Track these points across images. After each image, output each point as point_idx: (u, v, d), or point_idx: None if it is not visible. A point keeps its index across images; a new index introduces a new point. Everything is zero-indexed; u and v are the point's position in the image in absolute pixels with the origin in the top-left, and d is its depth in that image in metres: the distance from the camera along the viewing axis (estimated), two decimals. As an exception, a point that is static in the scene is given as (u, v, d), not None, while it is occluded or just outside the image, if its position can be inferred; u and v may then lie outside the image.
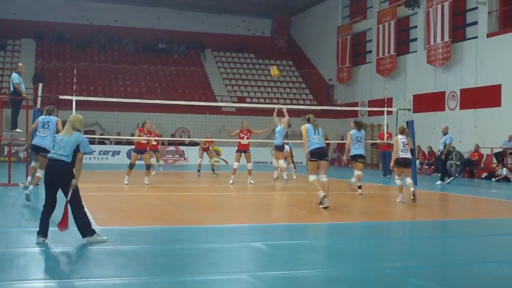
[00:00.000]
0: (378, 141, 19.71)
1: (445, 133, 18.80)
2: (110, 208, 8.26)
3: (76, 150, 6.96)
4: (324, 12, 36.06)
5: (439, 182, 18.21)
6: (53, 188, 7.02)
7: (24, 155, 22.49)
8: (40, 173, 11.43)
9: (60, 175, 6.93)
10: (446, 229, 9.51)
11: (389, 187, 17.45)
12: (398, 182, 12.35)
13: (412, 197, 11.92)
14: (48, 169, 7.01)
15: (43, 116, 11.94)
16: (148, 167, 15.74)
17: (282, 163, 15.86)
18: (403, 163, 12.27)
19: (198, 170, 19.54)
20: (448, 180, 18.31)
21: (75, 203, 7.00)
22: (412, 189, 12.02)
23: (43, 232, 7.01)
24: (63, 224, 6.95)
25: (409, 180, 12.33)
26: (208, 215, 10.33)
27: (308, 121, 11.17)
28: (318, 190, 10.77)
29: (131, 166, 15.47)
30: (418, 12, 27.11)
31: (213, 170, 19.89)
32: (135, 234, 7.54)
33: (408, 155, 12.29)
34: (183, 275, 5.74)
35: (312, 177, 10.94)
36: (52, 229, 7.39)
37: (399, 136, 12.37)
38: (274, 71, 16.33)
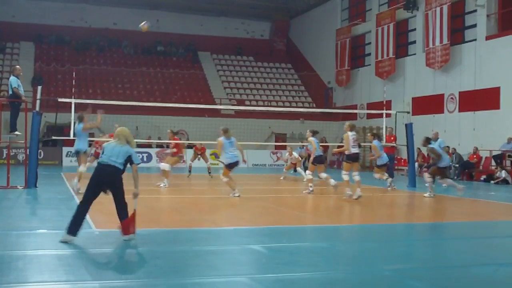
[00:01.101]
0: (383, 143, 19.78)
1: (436, 138, 18.81)
2: (108, 210, 8.26)
3: (127, 160, 7.42)
4: (323, 15, 36.09)
5: (444, 185, 18.13)
6: (98, 189, 7.37)
7: (23, 158, 22.47)
8: (82, 167, 13.08)
9: (112, 180, 7.36)
10: (445, 231, 9.51)
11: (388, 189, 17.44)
12: (345, 177, 12.67)
13: (358, 196, 12.64)
14: (100, 172, 7.38)
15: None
16: None
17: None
18: (354, 158, 12.84)
19: (189, 171, 19.73)
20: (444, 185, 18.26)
21: (123, 204, 7.43)
22: (358, 189, 12.80)
23: (73, 230, 7.15)
24: (129, 230, 7.34)
25: (357, 178, 12.91)
26: (207, 218, 10.33)
27: (225, 132, 13.27)
28: (234, 189, 13.06)
29: None
30: (417, 15, 27.14)
31: (209, 172, 19.92)
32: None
33: (357, 150, 12.95)
34: (182, 278, 5.74)
35: (225, 179, 13.24)
36: (51, 231, 7.40)
37: (349, 133, 12.79)
38: (143, 26, 16.29)
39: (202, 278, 5.73)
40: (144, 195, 13.93)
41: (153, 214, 10.70)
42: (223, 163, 20.11)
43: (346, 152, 12.69)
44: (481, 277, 6.11)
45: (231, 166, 13.23)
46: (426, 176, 14.37)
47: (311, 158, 14.57)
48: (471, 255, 7.41)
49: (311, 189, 14.14)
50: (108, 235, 7.79)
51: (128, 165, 7.49)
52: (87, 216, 7.60)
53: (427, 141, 14.67)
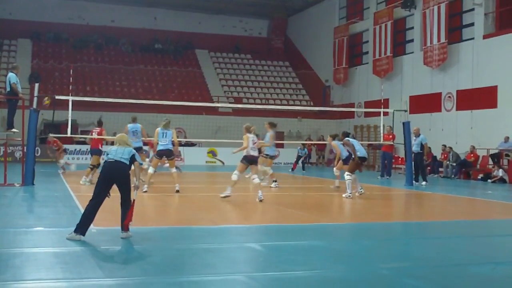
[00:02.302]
0: (381, 141, 19.81)
1: (417, 134, 18.85)
2: (105, 208, 8.25)
3: (131, 158, 7.62)
4: (321, 13, 36.08)
5: (424, 182, 18.14)
6: (108, 185, 7.50)
7: (20, 155, 22.43)
8: (151, 170, 13.72)
9: (120, 175, 7.50)
10: (442, 230, 9.52)
11: (386, 188, 17.47)
12: (235, 177, 12.53)
13: (259, 199, 12.30)
14: (109, 168, 7.51)
15: (131, 125, 15.00)
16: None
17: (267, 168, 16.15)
18: (251, 160, 12.70)
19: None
20: (423, 182, 18.23)
21: (128, 201, 7.57)
22: (260, 192, 12.46)
23: (81, 228, 7.19)
24: (129, 220, 7.49)
25: (256, 180, 12.67)
26: (204, 216, 10.33)
27: (164, 126, 13.76)
28: (147, 182, 13.55)
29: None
30: (415, 13, 27.14)
31: (177, 168, 19.94)
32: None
33: (256, 153, 12.89)
34: (179, 276, 5.74)
35: (151, 170, 13.70)
36: (48, 229, 7.37)
37: (249, 135, 12.79)
38: (46, 101, 16.45)
39: (199, 276, 5.74)
40: (141, 193, 13.93)
41: (150, 212, 10.69)
42: (222, 162, 20.33)
43: (245, 153, 12.66)
44: (479, 276, 6.12)
45: (159, 154, 13.71)
46: (345, 175, 13.58)
47: (337, 160, 14.44)
48: (469, 253, 7.42)
49: (349, 191, 13.92)
50: (105, 233, 7.78)
51: None
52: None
53: (345, 135, 14.50)
